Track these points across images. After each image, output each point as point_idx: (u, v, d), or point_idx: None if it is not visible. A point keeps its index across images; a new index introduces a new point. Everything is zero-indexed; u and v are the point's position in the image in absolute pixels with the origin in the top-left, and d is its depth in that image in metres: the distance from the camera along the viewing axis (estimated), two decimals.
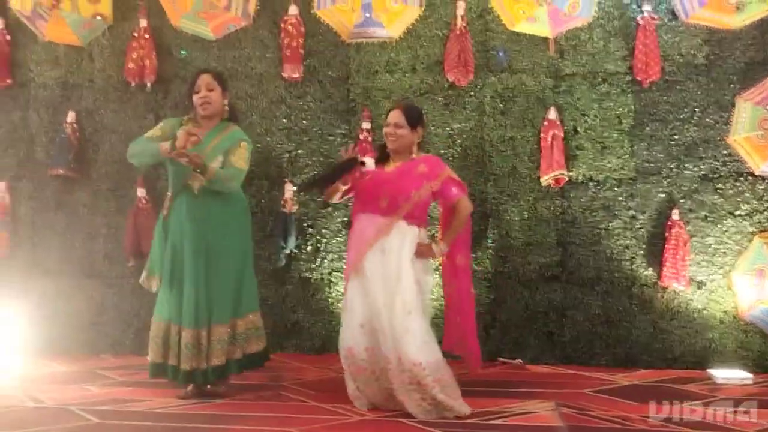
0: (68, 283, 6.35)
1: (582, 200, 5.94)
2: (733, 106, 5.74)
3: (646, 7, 5.85)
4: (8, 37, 6.45)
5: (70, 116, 6.34)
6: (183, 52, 6.33)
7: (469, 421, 4.22)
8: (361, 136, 6.00)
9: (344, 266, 5.48)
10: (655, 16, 5.86)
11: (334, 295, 6.07)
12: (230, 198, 4.81)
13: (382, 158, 4.67)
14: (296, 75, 6.16)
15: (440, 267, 4.96)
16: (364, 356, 4.40)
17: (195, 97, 4.77)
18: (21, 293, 6.27)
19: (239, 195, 4.92)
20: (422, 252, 4.50)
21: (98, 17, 6.31)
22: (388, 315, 4.32)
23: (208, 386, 4.82)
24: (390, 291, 4.36)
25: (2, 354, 5.97)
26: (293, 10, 6.15)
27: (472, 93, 6.06)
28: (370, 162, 4.55)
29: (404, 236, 4.46)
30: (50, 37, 6.35)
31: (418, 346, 4.28)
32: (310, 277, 6.19)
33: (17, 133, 6.49)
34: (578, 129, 5.96)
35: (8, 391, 5.02)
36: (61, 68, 6.45)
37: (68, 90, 6.43)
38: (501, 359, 5.87)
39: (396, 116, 4.58)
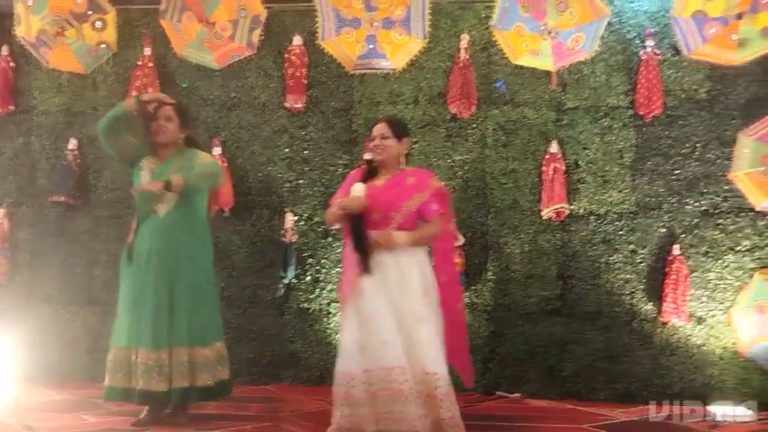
0: (67, 310, 6.33)
1: (583, 234, 5.93)
2: (735, 141, 5.73)
3: (649, 42, 5.87)
4: (12, 64, 6.48)
5: (72, 143, 6.36)
6: (184, 84, 6.36)
7: None
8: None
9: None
10: (658, 51, 5.87)
11: (332, 325, 6.04)
12: (195, 226, 4.83)
13: (371, 174, 4.52)
14: (299, 105, 6.18)
15: None
16: (363, 379, 4.21)
17: (153, 125, 4.83)
18: (18, 320, 6.24)
19: (204, 224, 4.92)
20: (383, 240, 4.26)
21: (103, 45, 6.33)
22: (397, 326, 4.18)
23: (167, 412, 4.75)
24: (396, 302, 4.23)
25: None
26: (297, 40, 6.19)
27: (475, 125, 6.07)
28: (359, 189, 4.35)
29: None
30: (54, 64, 6.38)
31: (433, 356, 4.17)
32: (309, 308, 6.17)
33: (19, 159, 6.50)
34: (579, 163, 5.96)
35: (3, 419, 4.98)
36: (65, 95, 6.47)
37: (71, 117, 6.45)
38: (499, 393, 5.83)
39: (381, 128, 4.50)
